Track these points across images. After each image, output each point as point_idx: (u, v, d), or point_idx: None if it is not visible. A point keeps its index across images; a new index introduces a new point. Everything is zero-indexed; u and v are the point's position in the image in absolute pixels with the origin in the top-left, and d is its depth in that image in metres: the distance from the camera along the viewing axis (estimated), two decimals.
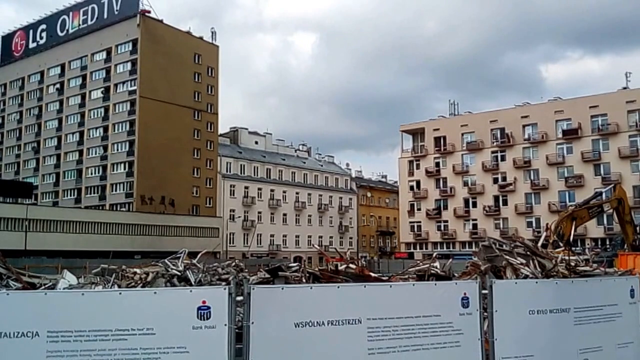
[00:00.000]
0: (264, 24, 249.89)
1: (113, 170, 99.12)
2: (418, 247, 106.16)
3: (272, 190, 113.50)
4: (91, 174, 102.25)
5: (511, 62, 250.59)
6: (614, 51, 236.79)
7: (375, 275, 13.49)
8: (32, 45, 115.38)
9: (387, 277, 13.22)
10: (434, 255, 14.36)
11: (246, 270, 13.84)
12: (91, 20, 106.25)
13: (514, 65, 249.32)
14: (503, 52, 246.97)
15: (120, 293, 7.16)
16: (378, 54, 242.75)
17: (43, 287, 10.49)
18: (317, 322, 6.56)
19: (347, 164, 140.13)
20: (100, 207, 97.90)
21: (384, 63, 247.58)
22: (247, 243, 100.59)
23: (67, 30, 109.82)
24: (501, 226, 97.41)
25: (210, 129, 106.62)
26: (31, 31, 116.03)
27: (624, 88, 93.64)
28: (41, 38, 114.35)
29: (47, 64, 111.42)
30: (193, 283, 10.61)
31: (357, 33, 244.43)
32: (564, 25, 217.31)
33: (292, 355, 6.42)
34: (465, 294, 7.48)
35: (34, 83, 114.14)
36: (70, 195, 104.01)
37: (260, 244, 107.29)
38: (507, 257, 10.81)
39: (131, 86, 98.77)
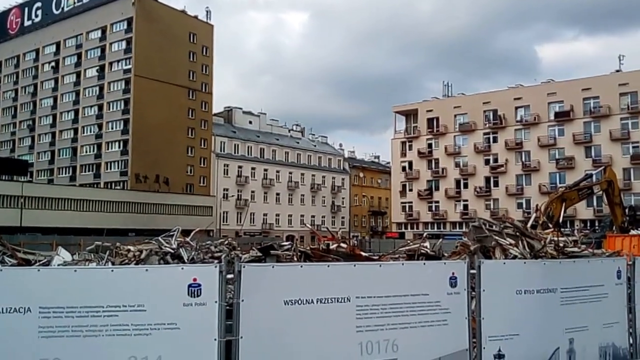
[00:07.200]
0: (257, 2, 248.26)
1: (108, 149, 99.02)
2: (409, 227, 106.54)
3: (265, 170, 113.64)
4: (86, 152, 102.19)
5: (506, 41, 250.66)
6: (608, 30, 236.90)
7: (366, 254, 13.52)
8: (27, 23, 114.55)
9: (377, 257, 13.25)
10: (424, 235, 14.45)
11: (239, 249, 13.85)
12: None
13: (509, 44, 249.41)
14: (498, 31, 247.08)
15: (112, 270, 7.16)
16: (371, 32, 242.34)
17: (38, 263, 10.51)
18: (306, 300, 6.61)
19: (340, 145, 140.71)
20: (95, 185, 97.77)
21: (378, 42, 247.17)
22: (240, 222, 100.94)
23: (63, 8, 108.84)
24: (492, 207, 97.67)
25: (205, 108, 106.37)
26: (26, 9, 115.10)
27: (617, 71, 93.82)
28: (36, 16, 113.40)
29: (42, 42, 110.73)
30: (186, 261, 10.63)
31: (349, 11, 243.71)
32: (559, 3, 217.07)
33: (281, 332, 6.47)
34: (453, 273, 7.54)
35: (29, 61, 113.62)
36: (65, 173, 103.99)
37: (253, 222, 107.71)
38: (497, 237, 10.84)
39: (126, 65, 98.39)
